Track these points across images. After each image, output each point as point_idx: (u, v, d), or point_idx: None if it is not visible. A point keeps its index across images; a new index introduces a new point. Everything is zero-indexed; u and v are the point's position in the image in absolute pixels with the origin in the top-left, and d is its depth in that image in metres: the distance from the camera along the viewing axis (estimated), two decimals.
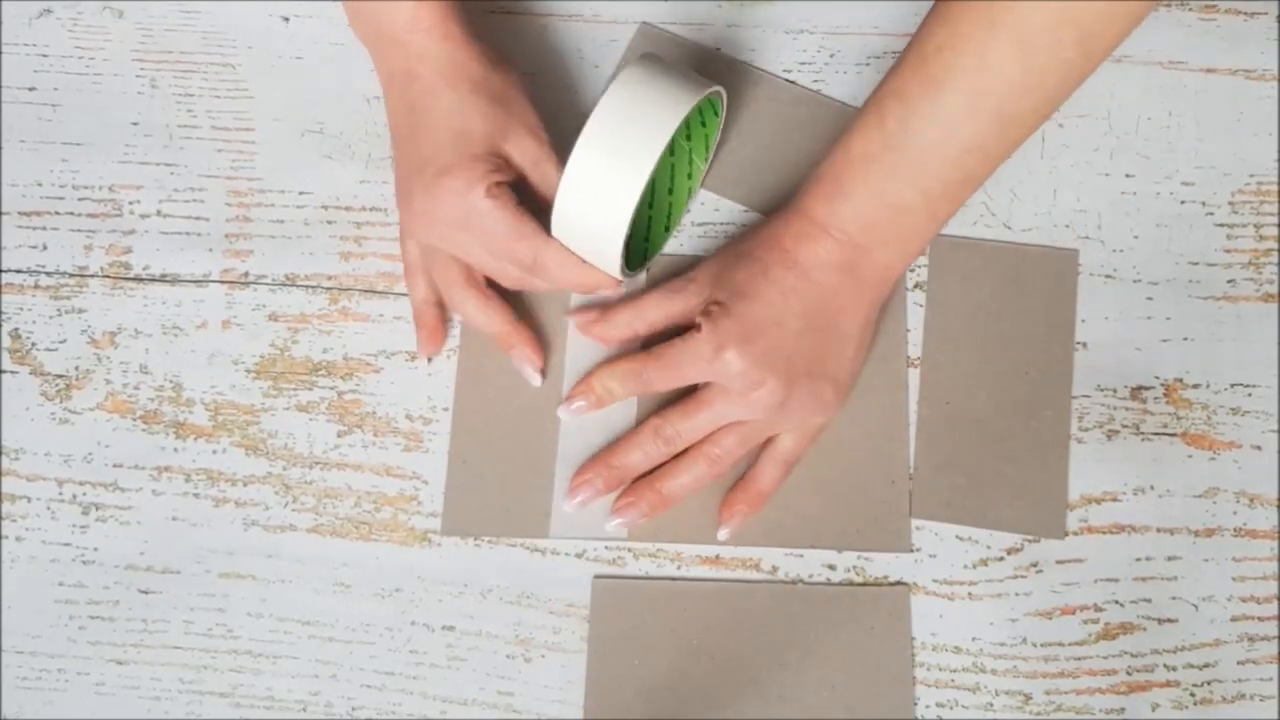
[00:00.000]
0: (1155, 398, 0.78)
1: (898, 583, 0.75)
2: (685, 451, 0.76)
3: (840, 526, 0.76)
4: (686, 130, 0.80)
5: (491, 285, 0.78)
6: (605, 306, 0.79)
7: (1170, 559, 0.76)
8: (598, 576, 0.76)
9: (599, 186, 0.71)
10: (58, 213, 0.82)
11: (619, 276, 0.76)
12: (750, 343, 0.72)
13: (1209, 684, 0.74)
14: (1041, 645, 0.75)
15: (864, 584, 0.75)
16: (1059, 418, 0.78)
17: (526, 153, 0.76)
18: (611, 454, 0.76)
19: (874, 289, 0.74)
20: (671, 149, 0.80)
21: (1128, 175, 0.82)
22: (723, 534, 0.76)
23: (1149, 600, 0.75)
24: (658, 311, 0.77)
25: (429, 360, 0.79)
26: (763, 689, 0.74)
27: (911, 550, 0.76)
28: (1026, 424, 0.78)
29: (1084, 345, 0.79)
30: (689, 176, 0.81)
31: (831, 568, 0.76)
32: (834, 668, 0.74)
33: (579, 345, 0.79)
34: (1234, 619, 0.75)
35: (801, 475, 0.77)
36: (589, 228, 0.73)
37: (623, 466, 0.76)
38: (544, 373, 0.78)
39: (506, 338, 0.78)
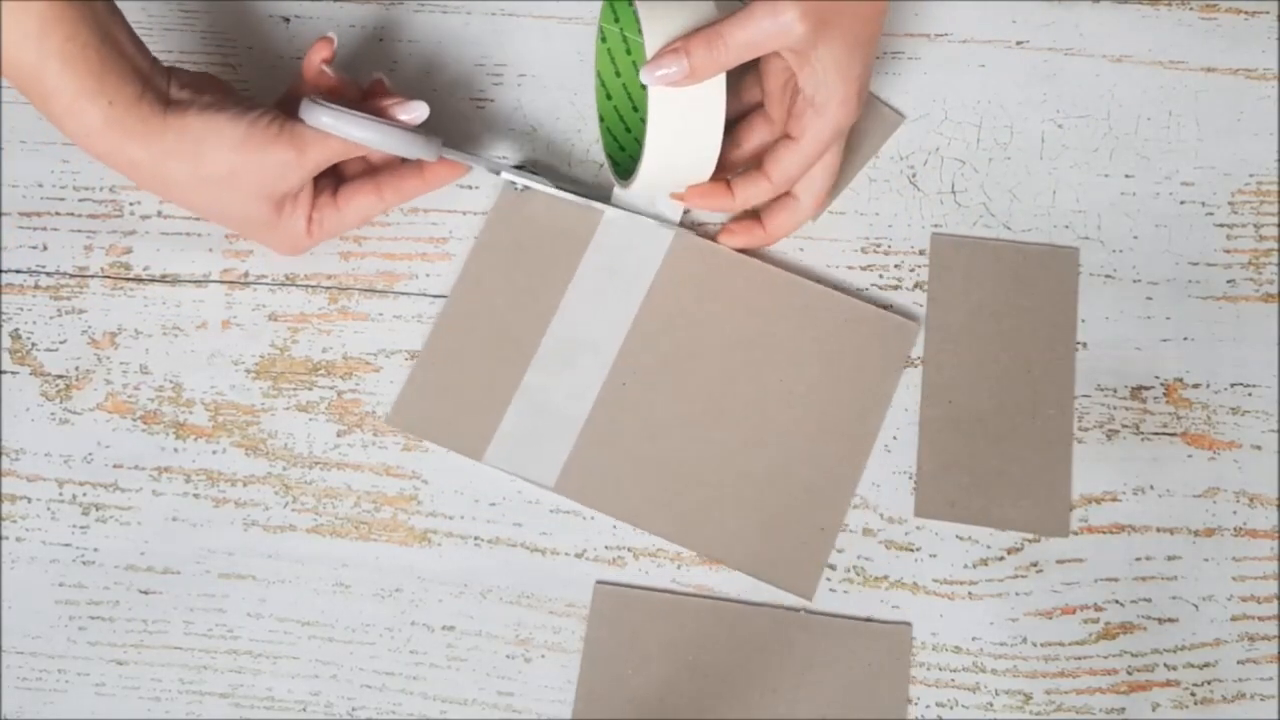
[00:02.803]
0: (1155, 398, 0.78)
1: (901, 622, 0.75)
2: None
3: (754, 552, 0.76)
4: (616, 16, 0.79)
5: None
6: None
7: (1170, 559, 0.76)
8: (600, 581, 0.76)
9: (685, 116, 0.73)
10: (58, 213, 0.82)
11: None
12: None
13: (1209, 684, 0.74)
14: (1041, 645, 0.75)
15: (868, 619, 0.75)
16: (1062, 416, 0.78)
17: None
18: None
19: None
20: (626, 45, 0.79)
21: (1127, 175, 0.82)
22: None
23: (1149, 600, 0.75)
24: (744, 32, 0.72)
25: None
26: (753, 713, 0.74)
27: (812, 599, 0.76)
28: (1030, 422, 0.78)
29: (1084, 345, 0.79)
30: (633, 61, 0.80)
31: (832, 568, 0.76)
32: (827, 701, 0.74)
33: (576, 300, 0.79)
34: (1234, 619, 0.75)
35: (740, 494, 0.77)
36: (685, 145, 0.74)
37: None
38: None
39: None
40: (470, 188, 0.82)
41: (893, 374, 0.79)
